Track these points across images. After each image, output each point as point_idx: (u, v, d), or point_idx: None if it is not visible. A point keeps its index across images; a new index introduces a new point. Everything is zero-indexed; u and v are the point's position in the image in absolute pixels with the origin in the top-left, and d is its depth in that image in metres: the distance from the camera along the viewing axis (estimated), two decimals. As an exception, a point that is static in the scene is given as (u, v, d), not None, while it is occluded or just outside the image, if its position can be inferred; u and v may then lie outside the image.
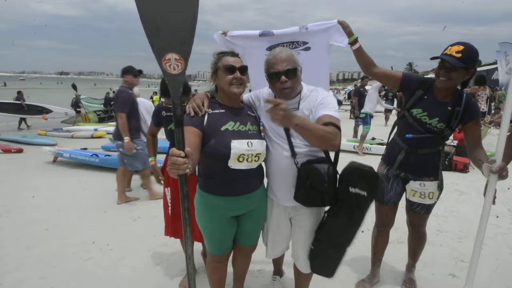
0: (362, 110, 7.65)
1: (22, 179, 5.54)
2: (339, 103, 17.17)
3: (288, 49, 1.84)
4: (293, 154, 1.76)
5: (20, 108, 12.59)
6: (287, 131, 1.78)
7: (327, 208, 1.89)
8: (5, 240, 3.38)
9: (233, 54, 1.77)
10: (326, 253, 1.88)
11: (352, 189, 1.70)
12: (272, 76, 1.71)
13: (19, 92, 13.18)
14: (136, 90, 5.18)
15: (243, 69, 1.74)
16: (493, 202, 1.83)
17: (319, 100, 1.74)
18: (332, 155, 1.81)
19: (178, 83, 1.29)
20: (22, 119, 12.64)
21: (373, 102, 7.51)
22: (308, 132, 1.48)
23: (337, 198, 1.76)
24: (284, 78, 1.67)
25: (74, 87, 15.46)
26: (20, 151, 7.76)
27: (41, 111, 12.82)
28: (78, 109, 13.80)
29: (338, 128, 1.59)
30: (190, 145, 1.45)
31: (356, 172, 1.72)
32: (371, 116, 7.61)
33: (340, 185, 1.75)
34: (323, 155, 1.81)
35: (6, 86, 51.71)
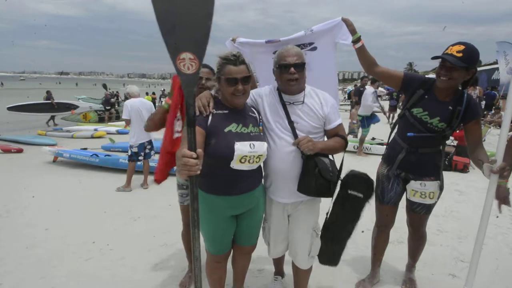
0: (358, 113, 7.44)
1: (22, 179, 5.54)
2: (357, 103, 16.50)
3: (298, 47, 1.95)
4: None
5: (51, 106, 13.87)
6: (291, 124, 1.86)
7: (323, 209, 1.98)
8: (5, 240, 3.38)
9: (236, 63, 1.69)
10: (328, 246, 2.07)
11: (350, 192, 1.96)
12: (282, 67, 1.82)
13: (48, 92, 14.44)
14: (136, 90, 5.17)
15: (246, 80, 1.72)
16: (507, 205, 1.83)
17: (329, 105, 1.93)
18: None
19: (192, 83, 1.29)
20: (52, 117, 13.71)
21: (367, 104, 7.20)
22: (329, 151, 1.88)
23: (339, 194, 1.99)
24: (293, 70, 1.80)
25: (104, 86, 16.41)
26: (20, 151, 7.76)
27: (69, 107, 14.27)
28: (107, 107, 14.49)
29: (344, 137, 1.95)
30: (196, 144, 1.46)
31: (355, 178, 1.99)
32: (369, 118, 7.32)
33: (341, 189, 1.97)
34: None
35: (3, 86, 51.64)
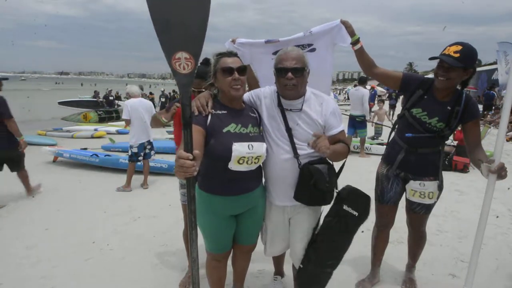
0: (353, 113, 7.09)
1: (22, 179, 5.53)
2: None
3: (300, 50, 1.87)
4: (296, 155, 1.79)
5: (97, 104, 16.92)
6: (289, 131, 1.80)
7: (323, 213, 1.94)
8: (5, 240, 3.38)
9: (231, 55, 1.77)
10: (314, 273, 1.95)
11: (345, 207, 1.83)
12: (280, 71, 1.75)
13: (95, 91, 18.69)
14: (136, 90, 5.17)
15: (242, 70, 1.73)
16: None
17: (329, 110, 1.84)
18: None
19: (187, 83, 1.25)
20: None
21: (366, 107, 6.97)
22: (337, 155, 1.79)
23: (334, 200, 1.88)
24: (291, 75, 1.71)
25: (141, 88, 17.67)
26: (20, 151, 7.75)
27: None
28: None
29: (348, 144, 1.89)
30: (196, 143, 1.44)
31: (352, 194, 1.86)
32: (361, 117, 6.99)
33: (336, 203, 1.87)
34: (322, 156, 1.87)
35: None
